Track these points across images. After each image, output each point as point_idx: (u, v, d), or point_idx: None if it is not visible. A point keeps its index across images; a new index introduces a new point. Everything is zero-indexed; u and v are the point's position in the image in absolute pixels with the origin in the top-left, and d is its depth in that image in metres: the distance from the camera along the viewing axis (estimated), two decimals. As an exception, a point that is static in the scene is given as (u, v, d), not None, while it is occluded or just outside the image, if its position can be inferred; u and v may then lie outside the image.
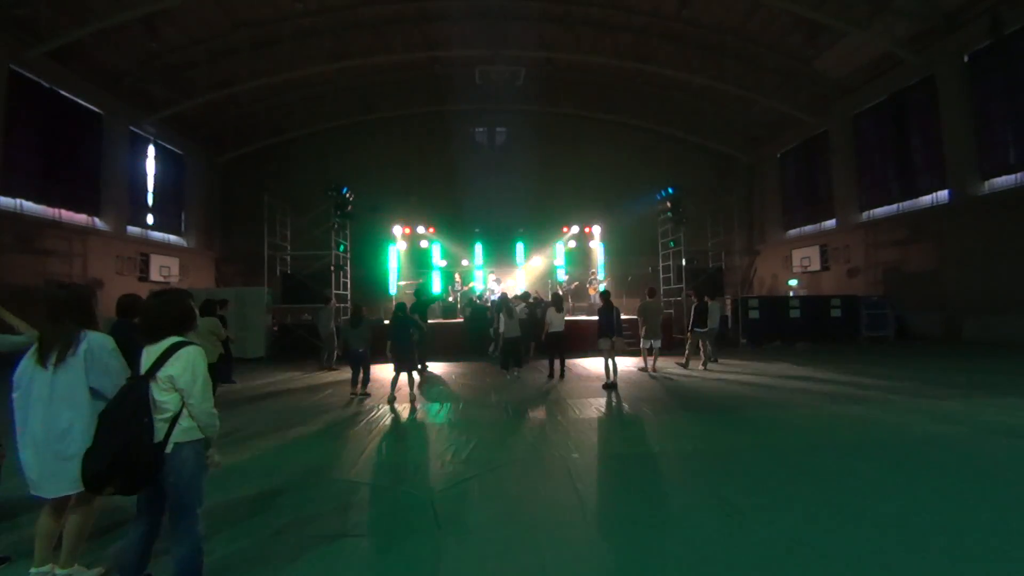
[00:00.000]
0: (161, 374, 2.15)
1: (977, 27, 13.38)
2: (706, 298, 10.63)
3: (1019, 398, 6.53)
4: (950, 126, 14.50)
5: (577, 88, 21.36)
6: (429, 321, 11.34)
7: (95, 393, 2.43)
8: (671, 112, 21.74)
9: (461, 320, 14.53)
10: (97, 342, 2.47)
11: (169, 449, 2.15)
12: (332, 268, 14.10)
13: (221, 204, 21.83)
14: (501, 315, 10.54)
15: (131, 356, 2.41)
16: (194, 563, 2.24)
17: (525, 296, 13.18)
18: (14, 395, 2.44)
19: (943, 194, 14.91)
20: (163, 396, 2.15)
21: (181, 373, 2.17)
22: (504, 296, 11.80)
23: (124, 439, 2.02)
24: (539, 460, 4.57)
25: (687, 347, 10.56)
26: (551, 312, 9.54)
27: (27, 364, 2.44)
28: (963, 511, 3.27)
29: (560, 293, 10.60)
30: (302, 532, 3.13)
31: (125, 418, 2.05)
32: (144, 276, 16.86)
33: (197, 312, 2.54)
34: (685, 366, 10.23)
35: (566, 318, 9.90)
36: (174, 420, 2.16)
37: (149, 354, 2.22)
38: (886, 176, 17.05)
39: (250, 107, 19.93)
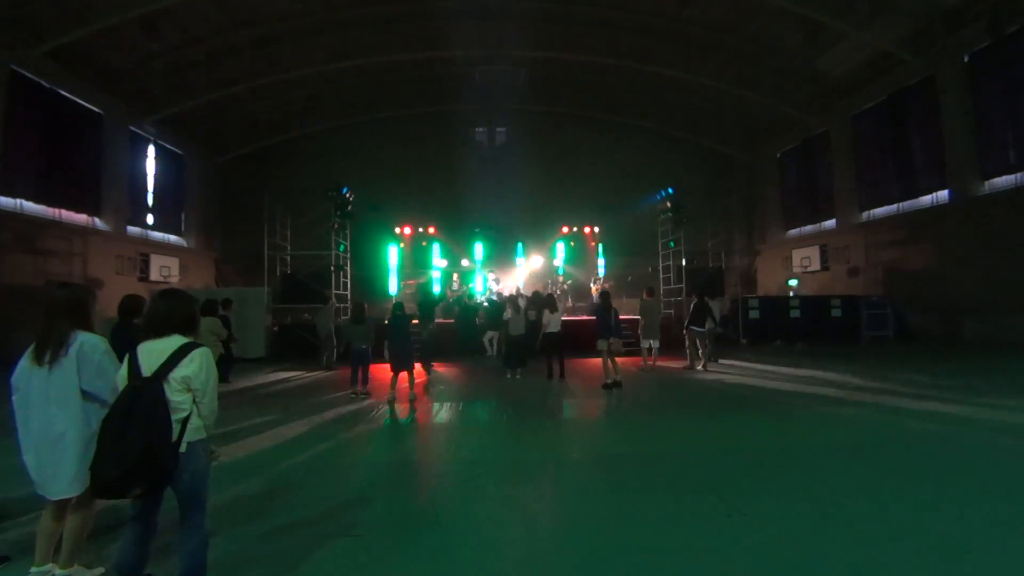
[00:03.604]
0: (176, 375, 2.16)
1: (977, 27, 13.38)
2: (705, 298, 10.56)
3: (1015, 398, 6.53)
4: (950, 126, 14.49)
5: (577, 88, 21.34)
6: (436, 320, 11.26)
7: (89, 396, 2.43)
8: (671, 112, 21.73)
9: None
10: (90, 343, 2.47)
11: (183, 448, 2.16)
12: (332, 268, 14.11)
13: (221, 204, 21.82)
14: (508, 313, 10.47)
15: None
16: (203, 557, 2.28)
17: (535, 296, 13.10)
18: (14, 397, 2.45)
19: (943, 194, 14.91)
20: (177, 397, 2.16)
21: (196, 374, 2.20)
22: (512, 296, 11.73)
23: (147, 440, 2.01)
24: (539, 460, 4.56)
25: (687, 348, 10.42)
26: (546, 313, 9.43)
27: (24, 365, 2.43)
28: (968, 513, 3.27)
29: (553, 293, 10.50)
30: (302, 532, 3.13)
31: (143, 419, 2.04)
32: (144, 276, 16.85)
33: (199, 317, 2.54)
34: (691, 368, 10.04)
35: (564, 318, 9.83)
36: (186, 420, 2.18)
37: (150, 352, 2.20)
38: (886, 176, 17.03)
39: (250, 107, 19.91)
